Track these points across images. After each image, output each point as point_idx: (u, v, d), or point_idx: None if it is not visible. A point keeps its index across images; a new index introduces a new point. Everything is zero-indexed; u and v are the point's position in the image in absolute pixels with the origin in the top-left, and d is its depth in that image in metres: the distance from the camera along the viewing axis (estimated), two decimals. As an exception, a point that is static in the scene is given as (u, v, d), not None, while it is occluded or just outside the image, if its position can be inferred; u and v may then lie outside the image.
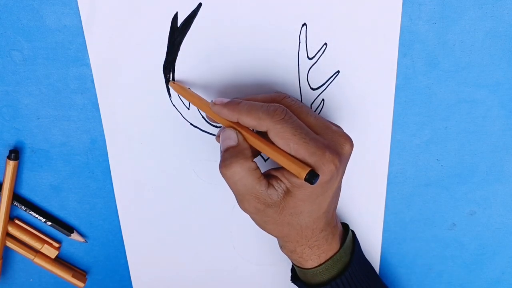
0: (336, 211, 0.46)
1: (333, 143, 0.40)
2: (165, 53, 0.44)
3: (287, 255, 0.46)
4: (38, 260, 0.53)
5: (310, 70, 0.46)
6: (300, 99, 0.47)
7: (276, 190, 0.40)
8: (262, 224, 0.43)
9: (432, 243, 0.55)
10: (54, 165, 0.50)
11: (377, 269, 0.56)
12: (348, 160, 0.42)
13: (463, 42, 0.45)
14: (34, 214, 0.51)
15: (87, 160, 0.50)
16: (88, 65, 0.45)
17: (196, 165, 0.50)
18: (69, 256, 0.55)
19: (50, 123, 0.48)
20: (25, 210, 0.51)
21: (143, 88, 0.46)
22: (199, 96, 0.44)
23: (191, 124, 0.48)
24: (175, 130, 0.48)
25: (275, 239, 0.46)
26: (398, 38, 0.45)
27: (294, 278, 0.49)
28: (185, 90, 0.45)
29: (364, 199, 0.52)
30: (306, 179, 0.37)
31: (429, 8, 0.43)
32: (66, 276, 0.54)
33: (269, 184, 0.40)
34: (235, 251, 0.55)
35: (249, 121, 0.39)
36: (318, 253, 0.44)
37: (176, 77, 0.46)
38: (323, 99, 0.47)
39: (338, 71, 0.46)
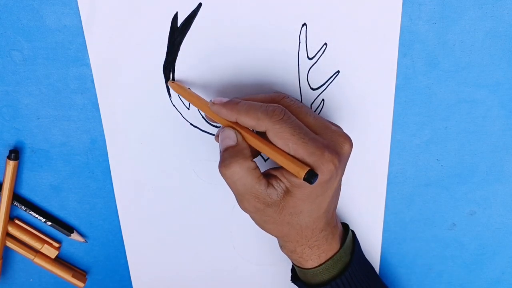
0: (336, 211, 0.46)
1: (333, 143, 0.40)
2: (165, 53, 0.44)
3: (287, 255, 0.46)
4: (38, 260, 0.53)
5: (310, 70, 0.46)
6: (300, 99, 0.47)
7: (276, 190, 0.40)
8: (261, 223, 0.43)
9: (432, 243, 0.55)
10: (54, 165, 0.50)
11: (377, 269, 0.56)
12: (347, 159, 0.42)
13: (463, 42, 0.45)
14: (34, 214, 0.51)
15: (87, 160, 0.50)
16: (88, 65, 0.45)
17: (196, 165, 0.50)
18: (69, 256, 0.55)
19: (50, 123, 0.48)
20: (25, 210, 0.51)
21: (143, 88, 0.46)
22: (198, 96, 0.44)
23: (191, 124, 0.48)
24: (175, 130, 0.48)
25: (275, 239, 0.46)
26: (398, 38, 0.45)
27: (294, 278, 0.49)
28: (184, 90, 0.45)
29: (364, 199, 0.52)
30: (305, 179, 0.37)
31: (429, 8, 0.43)
32: (66, 276, 0.54)
33: (269, 184, 0.40)
34: (235, 251, 0.55)
35: (247, 121, 0.39)
36: (318, 253, 0.44)
37: (176, 77, 0.46)
38: (323, 99, 0.47)
39: (338, 71, 0.46)
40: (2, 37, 0.44)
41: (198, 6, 0.43)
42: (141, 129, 0.48)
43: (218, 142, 0.42)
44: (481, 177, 0.52)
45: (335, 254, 0.45)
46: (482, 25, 0.44)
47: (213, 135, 0.49)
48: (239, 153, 0.40)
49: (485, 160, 0.51)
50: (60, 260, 0.55)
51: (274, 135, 0.38)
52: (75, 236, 0.53)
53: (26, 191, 0.51)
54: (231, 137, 0.41)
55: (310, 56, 0.45)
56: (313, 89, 0.47)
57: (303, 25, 0.44)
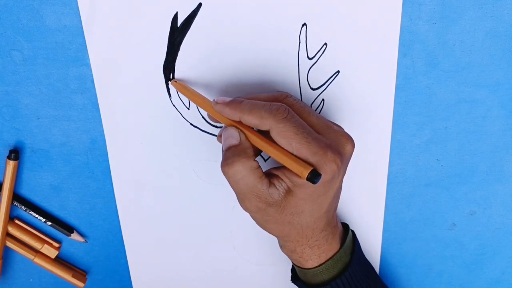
0: (336, 211, 0.46)
1: (335, 143, 0.40)
2: (165, 53, 0.44)
3: (287, 255, 0.46)
4: (38, 260, 0.53)
5: (310, 70, 0.46)
6: (300, 99, 0.47)
7: (278, 189, 0.40)
8: (262, 223, 0.43)
9: (432, 243, 0.55)
10: (54, 165, 0.50)
11: (377, 269, 0.56)
12: (349, 160, 0.42)
13: (463, 42, 0.45)
14: (34, 214, 0.51)
15: (87, 160, 0.50)
16: (88, 65, 0.45)
17: (196, 165, 0.50)
18: (69, 256, 0.55)
19: (50, 123, 0.48)
20: (25, 210, 0.51)
21: (143, 88, 0.46)
22: (201, 95, 0.44)
23: (191, 124, 0.48)
24: (175, 130, 0.48)
25: (275, 239, 0.46)
26: (398, 38, 0.45)
27: (294, 278, 0.49)
28: (187, 89, 0.44)
29: (364, 199, 0.52)
30: (308, 179, 0.37)
31: (429, 8, 0.43)
32: (66, 276, 0.54)
33: (271, 183, 0.40)
34: (235, 251, 0.55)
35: (251, 119, 0.39)
36: (318, 253, 0.44)
37: (176, 77, 0.46)
38: (323, 99, 0.47)
39: (338, 71, 0.46)
40: (2, 37, 0.44)
41: (198, 6, 0.43)
42: (141, 129, 0.48)
43: (220, 142, 0.42)
44: (481, 177, 0.52)
45: (335, 254, 0.45)
46: (482, 25, 0.44)
47: (213, 135, 0.49)
48: (242, 152, 0.40)
49: (485, 160, 0.51)
50: (60, 260, 0.55)
51: (278, 134, 0.38)
52: (75, 236, 0.53)
53: (26, 191, 0.51)
54: (234, 136, 0.40)
55: (310, 56, 0.45)
56: (313, 89, 0.47)
57: (303, 25, 0.44)
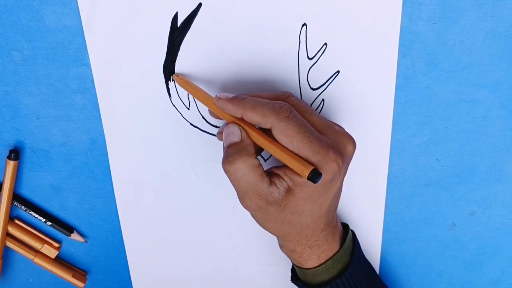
0: (336, 211, 0.46)
1: (337, 143, 0.40)
2: (165, 53, 0.44)
3: (287, 254, 0.46)
4: (38, 260, 0.53)
5: (310, 70, 0.46)
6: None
7: (278, 188, 0.40)
8: (262, 222, 0.43)
9: (432, 243, 0.55)
10: (54, 165, 0.50)
11: (377, 269, 0.56)
12: (350, 160, 0.42)
13: (463, 42, 0.45)
14: (34, 214, 0.51)
15: (87, 160, 0.50)
16: (88, 65, 0.45)
17: (196, 165, 0.50)
18: (69, 256, 0.55)
19: (50, 123, 0.48)
20: (25, 210, 0.51)
21: (143, 88, 0.46)
22: (203, 90, 0.44)
23: (191, 124, 0.48)
24: (175, 130, 0.48)
25: (275, 239, 0.46)
26: (398, 38, 0.45)
27: (294, 278, 0.49)
28: (189, 84, 0.44)
29: (364, 199, 0.52)
30: (309, 178, 0.37)
31: (429, 8, 0.43)
32: (66, 276, 0.54)
33: (271, 182, 0.40)
34: (235, 251, 0.55)
35: (253, 117, 0.39)
36: (318, 253, 0.44)
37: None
38: (323, 99, 0.47)
39: (338, 71, 0.46)
40: (2, 37, 0.44)
41: (198, 6, 0.43)
42: (141, 129, 0.48)
43: (220, 139, 0.42)
44: (481, 177, 0.52)
45: (335, 254, 0.45)
46: (482, 25, 0.44)
47: (213, 135, 0.49)
48: (243, 150, 0.40)
49: (485, 160, 0.51)
50: (60, 260, 0.55)
51: (279, 132, 0.38)
52: (75, 236, 0.53)
53: (26, 191, 0.51)
54: (235, 134, 0.40)
55: (310, 56, 0.45)
56: (313, 89, 0.47)
57: (303, 25, 0.44)
